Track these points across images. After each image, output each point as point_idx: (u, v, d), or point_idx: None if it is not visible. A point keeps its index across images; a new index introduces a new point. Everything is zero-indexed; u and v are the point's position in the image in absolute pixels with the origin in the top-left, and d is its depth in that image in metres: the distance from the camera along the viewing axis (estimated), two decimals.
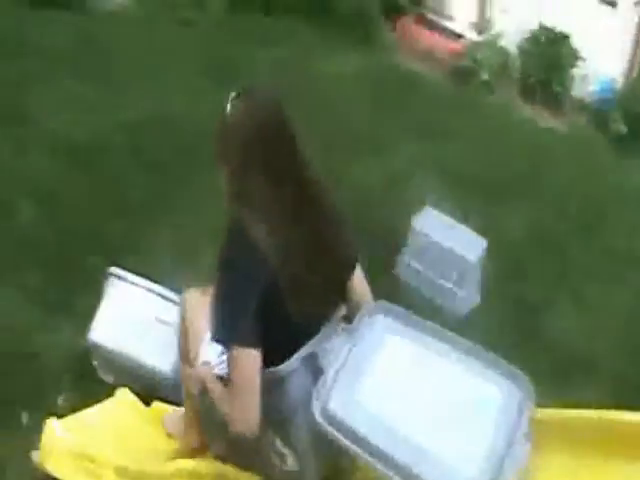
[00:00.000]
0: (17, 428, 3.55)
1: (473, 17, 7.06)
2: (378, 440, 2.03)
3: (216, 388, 2.33)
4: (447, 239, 4.29)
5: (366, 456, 2.04)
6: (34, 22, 5.86)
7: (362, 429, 2.04)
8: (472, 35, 7.02)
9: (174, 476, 2.77)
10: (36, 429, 3.28)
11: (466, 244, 4.29)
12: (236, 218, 2.21)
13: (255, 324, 2.14)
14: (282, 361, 2.24)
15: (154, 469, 2.87)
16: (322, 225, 2.30)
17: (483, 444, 2.00)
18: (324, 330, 2.30)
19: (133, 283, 3.66)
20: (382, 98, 5.80)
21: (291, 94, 5.22)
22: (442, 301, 4.31)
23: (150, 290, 3.64)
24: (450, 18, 7.26)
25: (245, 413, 2.16)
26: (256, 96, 2.27)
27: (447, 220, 4.41)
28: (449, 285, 4.28)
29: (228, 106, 2.20)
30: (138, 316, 3.59)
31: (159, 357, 3.49)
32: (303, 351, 2.26)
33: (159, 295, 3.63)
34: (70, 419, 3.31)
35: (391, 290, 4.18)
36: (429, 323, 2.26)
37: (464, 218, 4.45)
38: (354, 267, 2.47)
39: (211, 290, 2.26)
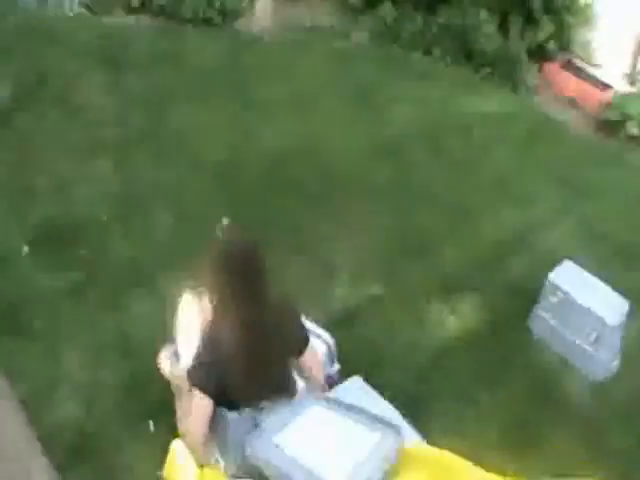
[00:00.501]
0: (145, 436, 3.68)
1: (624, 67, 6.86)
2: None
3: (186, 400, 3.12)
4: (586, 297, 4.12)
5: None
6: (192, 40, 6.02)
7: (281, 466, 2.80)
8: (621, 86, 6.81)
9: None
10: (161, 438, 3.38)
11: (606, 305, 4.10)
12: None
13: (213, 386, 3.01)
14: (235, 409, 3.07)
15: None
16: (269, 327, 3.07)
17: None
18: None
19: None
20: (524, 143, 5.69)
21: (432, 129, 5.36)
22: (577, 362, 4.13)
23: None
24: (598, 66, 7.08)
25: (192, 434, 3.08)
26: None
27: (587, 277, 4.24)
28: (586, 346, 4.11)
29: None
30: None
31: None
32: (249, 412, 3.07)
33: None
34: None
35: (523, 343, 4.14)
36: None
37: (604, 277, 4.28)
38: (302, 350, 3.24)
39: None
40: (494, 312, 4.27)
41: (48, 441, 3.73)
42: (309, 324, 3.62)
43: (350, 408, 3.02)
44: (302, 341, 3.25)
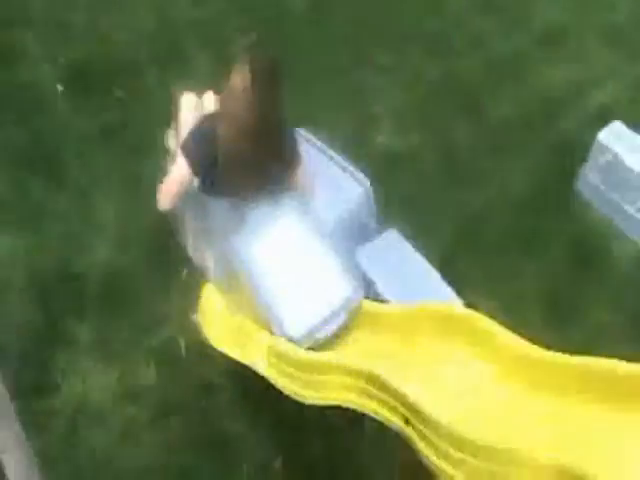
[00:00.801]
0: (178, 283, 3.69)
1: None
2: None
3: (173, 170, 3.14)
4: (636, 160, 3.94)
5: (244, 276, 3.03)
6: None
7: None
8: None
9: (328, 367, 2.75)
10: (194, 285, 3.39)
11: None
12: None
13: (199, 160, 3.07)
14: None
15: (309, 356, 2.84)
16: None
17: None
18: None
19: None
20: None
21: None
22: (623, 226, 4.00)
23: None
24: None
25: (162, 194, 3.13)
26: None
27: (637, 139, 4.04)
28: (632, 211, 3.96)
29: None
30: None
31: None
32: (235, 201, 3.14)
33: None
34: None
35: (569, 206, 4.00)
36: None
37: None
38: (295, 164, 3.24)
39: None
40: (541, 172, 4.09)
41: (81, 284, 3.79)
42: (345, 163, 3.58)
43: (325, 245, 3.09)
44: (295, 152, 3.24)
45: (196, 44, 4.62)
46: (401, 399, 2.43)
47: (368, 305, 3.08)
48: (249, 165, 3.05)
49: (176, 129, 3.42)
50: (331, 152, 3.65)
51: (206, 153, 3.06)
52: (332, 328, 3.00)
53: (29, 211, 4.07)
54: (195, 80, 3.71)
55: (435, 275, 3.34)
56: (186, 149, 3.10)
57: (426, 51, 4.63)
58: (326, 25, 4.75)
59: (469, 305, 3.16)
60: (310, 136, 3.71)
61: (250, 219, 3.11)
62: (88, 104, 4.36)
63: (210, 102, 3.38)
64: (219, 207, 3.16)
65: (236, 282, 3.14)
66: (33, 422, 3.43)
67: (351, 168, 3.57)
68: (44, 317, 3.71)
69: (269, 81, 2.98)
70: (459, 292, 3.34)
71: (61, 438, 3.42)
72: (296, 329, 2.95)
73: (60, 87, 4.47)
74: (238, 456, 3.31)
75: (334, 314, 2.99)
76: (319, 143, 3.69)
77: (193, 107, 3.39)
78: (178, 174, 3.12)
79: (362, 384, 2.61)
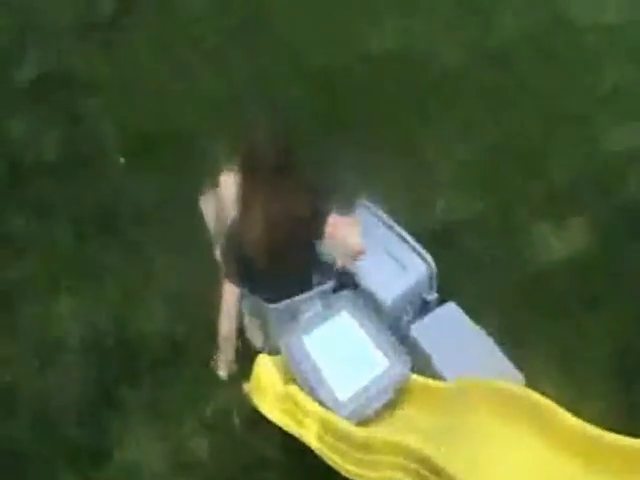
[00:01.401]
0: None
1: None
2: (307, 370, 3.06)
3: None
4: None
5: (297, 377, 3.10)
6: None
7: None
8: None
9: (381, 446, 2.64)
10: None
11: None
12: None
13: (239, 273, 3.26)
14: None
15: (361, 434, 2.75)
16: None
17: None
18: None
19: None
20: None
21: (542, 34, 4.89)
22: None
23: None
24: None
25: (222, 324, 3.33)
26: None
27: None
28: None
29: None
30: None
31: None
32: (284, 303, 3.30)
33: None
34: (279, 359, 3.25)
35: (634, 270, 3.83)
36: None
37: None
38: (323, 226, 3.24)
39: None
40: (605, 234, 3.94)
41: (136, 349, 3.79)
42: (410, 241, 3.57)
43: (374, 326, 3.15)
44: (320, 220, 3.23)
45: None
46: None
47: (420, 381, 3.02)
48: (278, 271, 3.25)
49: (212, 198, 3.62)
50: (393, 224, 3.64)
51: (239, 266, 3.25)
52: (381, 403, 2.99)
53: (89, 270, 4.13)
54: None
55: (495, 350, 3.22)
56: (224, 265, 3.30)
57: (486, 107, 4.55)
58: (385, 86, 4.73)
59: (531, 379, 3.05)
60: (373, 207, 3.71)
61: (302, 320, 3.27)
62: (145, 170, 4.44)
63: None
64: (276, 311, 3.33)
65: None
66: None
67: (414, 243, 3.56)
68: (98, 381, 3.70)
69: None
70: (520, 360, 3.24)
71: None
72: (344, 393, 2.99)
73: (122, 159, 4.55)
74: None
75: (382, 390, 2.99)
76: (382, 214, 3.69)
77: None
78: (228, 294, 3.30)
79: (415, 465, 2.51)
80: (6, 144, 4.74)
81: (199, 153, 4.38)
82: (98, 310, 3.96)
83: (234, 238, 3.27)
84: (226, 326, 3.37)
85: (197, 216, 4.00)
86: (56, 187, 4.44)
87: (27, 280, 4.09)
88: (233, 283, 3.29)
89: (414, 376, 3.02)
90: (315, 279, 3.39)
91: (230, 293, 3.31)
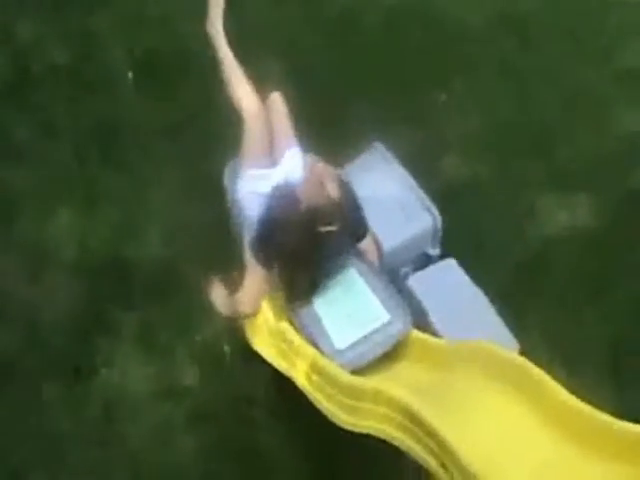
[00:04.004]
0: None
1: None
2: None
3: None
4: None
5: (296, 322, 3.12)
6: None
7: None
8: None
9: (369, 395, 2.67)
10: None
11: None
12: None
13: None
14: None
15: (351, 380, 2.78)
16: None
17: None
18: None
19: None
20: None
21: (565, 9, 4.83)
22: None
23: None
24: None
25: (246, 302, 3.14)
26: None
27: None
28: None
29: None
30: None
31: None
32: None
33: None
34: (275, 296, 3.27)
35: (637, 256, 3.81)
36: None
37: None
38: (360, 239, 3.23)
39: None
40: (610, 217, 3.92)
41: (130, 272, 3.78)
42: (420, 193, 3.55)
43: (379, 280, 3.14)
44: (363, 233, 3.23)
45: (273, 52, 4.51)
46: (440, 443, 2.35)
47: (418, 336, 3.03)
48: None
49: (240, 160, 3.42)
50: (404, 172, 3.62)
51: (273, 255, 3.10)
52: (377, 355, 2.99)
53: (88, 189, 4.10)
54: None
55: (492, 313, 3.24)
56: (257, 258, 3.12)
57: (502, 79, 4.51)
58: (400, 43, 4.65)
59: (524, 349, 3.08)
60: (386, 153, 3.69)
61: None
62: (155, 95, 4.35)
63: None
64: None
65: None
66: (69, 404, 3.45)
67: (423, 194, 3.54)
68: (90, 300, 3.72)
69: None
70: (514, 330, 3.24)
71: (95, 423, 3.42)
72: (342, 342, 2.99)
73: (130, 74, 4.48)
74: (269, 473, 3.28)
75: (380, 343, 2.99)
76: (393, 161, 3.66)
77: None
78: (253, 278, 3.13)
79: (401, 418, 2.54)
80: (15, 48, 4.64)
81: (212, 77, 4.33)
82: (94, 230, 3.95)
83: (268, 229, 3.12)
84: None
85: (204, 145, 3.99)
86: (62, 100, 4.37)
87: (25, 193, 4.06)
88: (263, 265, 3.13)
89: (414, 331, 3.03)
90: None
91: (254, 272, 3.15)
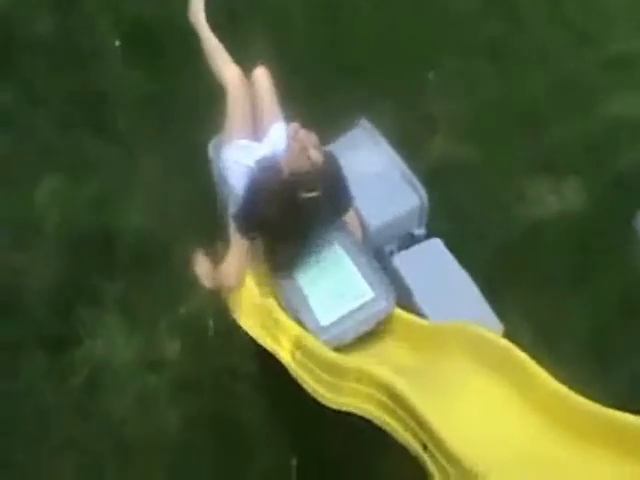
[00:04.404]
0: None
1: None
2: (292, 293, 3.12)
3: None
4: None
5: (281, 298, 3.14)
6: None
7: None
8: None
9: (352, 374, 2.68)
10: None
11: None
12: None
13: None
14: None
15: (335, 358, 2.78)
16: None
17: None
18: None
19: None
20: None
21: None
22: None
23: None
24: None
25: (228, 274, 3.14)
26: None
27: None
28: None
29: None
30: None
31: None
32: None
33: None
34: (264, 275, 3.28)
35: (623, 243, 3.83)
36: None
37: None
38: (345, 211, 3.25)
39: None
40: (597, 202, 3.94)
41: (114, 242, 3.77)
42: (407, 172, 3.54)
43: (365, 257, 3.15)
44: (347, 203, 3.24)
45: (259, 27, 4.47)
46: (421, 424, 2.37)
47: (402, 315, 3.04)
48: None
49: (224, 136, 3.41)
50: (391, 150, 3.61)
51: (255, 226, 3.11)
52: (360, 332, 3.01)
53: (73, 158, 4.05)
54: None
55: (476, 293, 3.26)
56: (239, 228, 3.11)
57: (492, 59, 4.49)
58: (390, 21, 4.62)
59: (507, 332, 3.09)
60: (373, 130, 3.67)
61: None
62: (143, 64, 4.31)
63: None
64: None
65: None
66: (51, 374, 3.44)
67: (409, 173, 3.53)
68: (73, 270, 3.70)
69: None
70: (498, 312, 3.26)
71: (77, 394, 3.41)
72: (326, 318, 3.01)
73: (117, 42, 4.43)
74: (250, 447, 3.29)
75: (363, 320, 3.01)
76: (380, 139, 3.65)
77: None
78: (236, 250, 3.13)
79: (383, 397, 2.55)
80: None
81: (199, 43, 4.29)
82: (77, 200, 3.92)
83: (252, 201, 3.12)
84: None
85: (189, 120, 3.96)
86: (46, 68, 4.32)
87: (9, 160, 4.01)
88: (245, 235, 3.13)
89: (398, 310, 3.04)
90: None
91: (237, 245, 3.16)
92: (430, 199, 3.52)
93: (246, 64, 3.43)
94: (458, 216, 3.80)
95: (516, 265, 3.73)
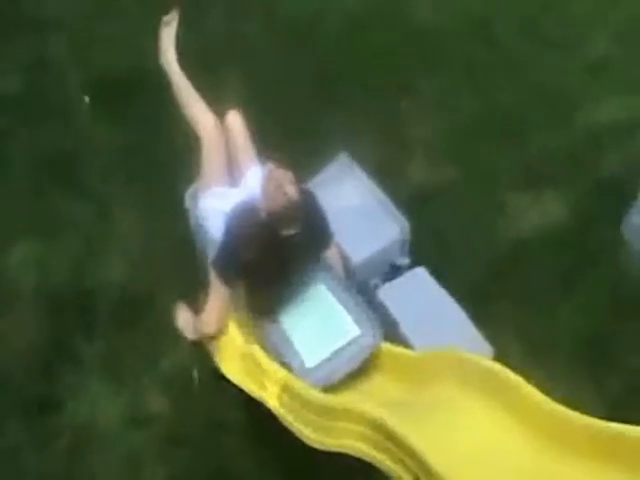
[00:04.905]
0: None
1: None
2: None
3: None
4: None
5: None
6: None
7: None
8: None
9: (341, 413, 2.58)
10: None
11: None
12: None
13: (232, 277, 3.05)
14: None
15: (323, 400, 2.69)
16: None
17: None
18: None
19: None
20: (630, 26, 5.08)
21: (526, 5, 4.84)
22: None
23: None
24: None
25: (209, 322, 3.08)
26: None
27: None
28: None
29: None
30: None
31: None
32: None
33: None
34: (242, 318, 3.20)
35: (610, 248, 3.77)
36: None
37: None
38: (327, 247, 3.22)
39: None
40: (582, 210, 3.88)
41: (93, 300, 3.68)
42: (387, 203, 3.53)
43: (348, 294, 3.10)
44: (328, 239, 3.20)
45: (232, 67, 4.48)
46: (413, 456, 2.26)
47: (390, 349, 2.98)
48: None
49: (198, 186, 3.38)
50: (370, 183, 3.60)
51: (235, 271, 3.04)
52: (348, 371, 2.94)
53: (45, 219, 4.00)
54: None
55: (464, 318, 3.19)
56: (220, 272, 3.05)
57: (467, 77, 4.48)
58: (363, 48, 4.62)
59: (498, 354, 3.02)
60: (352, 164, 3.66)
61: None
62: (113, 117, 4.28)
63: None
64: None
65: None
66: (34, 439, 3.33)
67: (389, 204, 3.51)
68: (52, 332, 3.62)
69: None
70: (489, 333, 3.20)
71: (62, 458, 3.30)
72: (312, 360, 2.96)
73: (87, 99, 4.41)
74: None
75: (350, 358, 2.95)
76: (359, 173, 3.64)
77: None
78: (216, 298, 3.07)
79: (374, 434, 2.45)
80: None
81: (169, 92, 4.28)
82: (54, 260, 3.86)
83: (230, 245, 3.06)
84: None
85: (164, 171, 3.91)
86: (16, 128, 4.30)
87: None
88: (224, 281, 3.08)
89: (384, 344, 2.98)
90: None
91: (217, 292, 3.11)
92: (413, 226, 3.48)
93: (219, 106, 3.40)
94: (442, 240, 3.73)
95: (504, 282, 3.64)
